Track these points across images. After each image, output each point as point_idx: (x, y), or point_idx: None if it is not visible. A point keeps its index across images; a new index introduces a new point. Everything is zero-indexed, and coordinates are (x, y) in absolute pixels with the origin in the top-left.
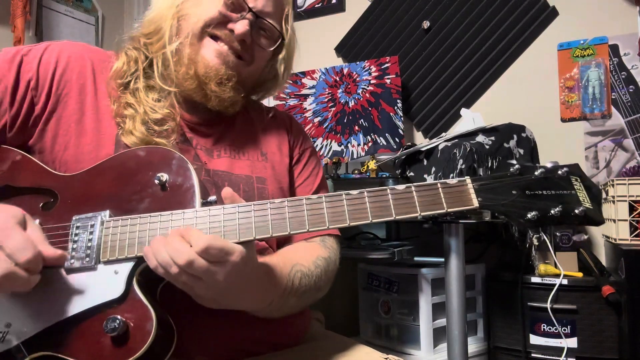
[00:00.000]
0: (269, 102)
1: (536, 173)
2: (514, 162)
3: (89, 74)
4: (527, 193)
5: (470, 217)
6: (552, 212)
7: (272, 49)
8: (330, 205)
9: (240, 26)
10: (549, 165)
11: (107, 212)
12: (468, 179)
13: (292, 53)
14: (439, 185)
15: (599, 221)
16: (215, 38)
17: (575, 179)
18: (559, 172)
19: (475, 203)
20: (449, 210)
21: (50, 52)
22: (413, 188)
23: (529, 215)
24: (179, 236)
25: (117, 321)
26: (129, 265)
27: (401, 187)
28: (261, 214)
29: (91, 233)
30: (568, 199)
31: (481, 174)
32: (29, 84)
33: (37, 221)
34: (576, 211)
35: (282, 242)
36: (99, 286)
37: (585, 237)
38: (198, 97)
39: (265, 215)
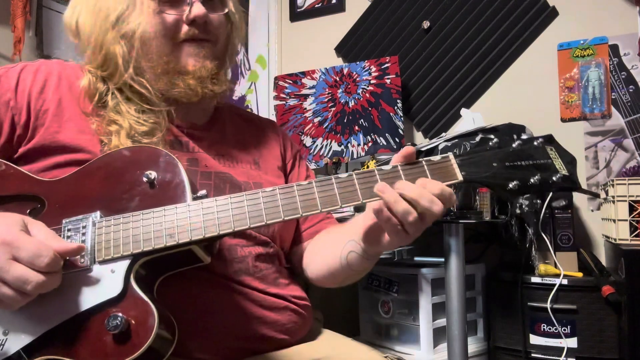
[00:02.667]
0: (269, 102)
1: (514, 145)
2: (492, 136)
3: (65, 91)
4: (507, 164)
5: (470, 217)
6: (532, 180)
7: (225, 12)
8: (321, 189)
9: (197, 9)
10: (524, 137)
11: (98, 213)
12: (450, 155)
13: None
14: (423, 162)
15: (575, 185)
16: (183, 42)
17: (550, 148)
18: (535, 142)
19: (460, 177)
20: None
21: (27, 72)
22: (399, 167)
23: (510, 185)
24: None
25: (119, 318)
26: (126, 263)
27: (387, 167)
28: (254, 202)
29: (84, 234)
30: (545, 167)
31: None
32: (8, 104)
33: None
34: (554, 178)
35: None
36: (97, 286)
37: (564, 202)
38: (195, 99)
39: (258, 204)
